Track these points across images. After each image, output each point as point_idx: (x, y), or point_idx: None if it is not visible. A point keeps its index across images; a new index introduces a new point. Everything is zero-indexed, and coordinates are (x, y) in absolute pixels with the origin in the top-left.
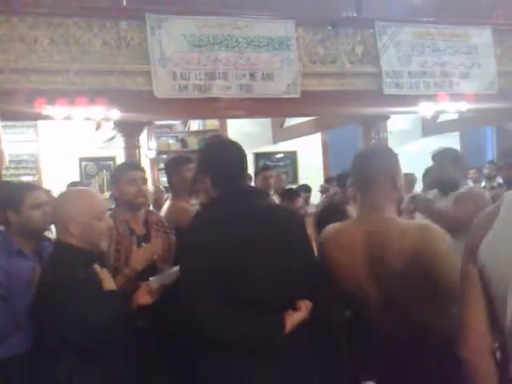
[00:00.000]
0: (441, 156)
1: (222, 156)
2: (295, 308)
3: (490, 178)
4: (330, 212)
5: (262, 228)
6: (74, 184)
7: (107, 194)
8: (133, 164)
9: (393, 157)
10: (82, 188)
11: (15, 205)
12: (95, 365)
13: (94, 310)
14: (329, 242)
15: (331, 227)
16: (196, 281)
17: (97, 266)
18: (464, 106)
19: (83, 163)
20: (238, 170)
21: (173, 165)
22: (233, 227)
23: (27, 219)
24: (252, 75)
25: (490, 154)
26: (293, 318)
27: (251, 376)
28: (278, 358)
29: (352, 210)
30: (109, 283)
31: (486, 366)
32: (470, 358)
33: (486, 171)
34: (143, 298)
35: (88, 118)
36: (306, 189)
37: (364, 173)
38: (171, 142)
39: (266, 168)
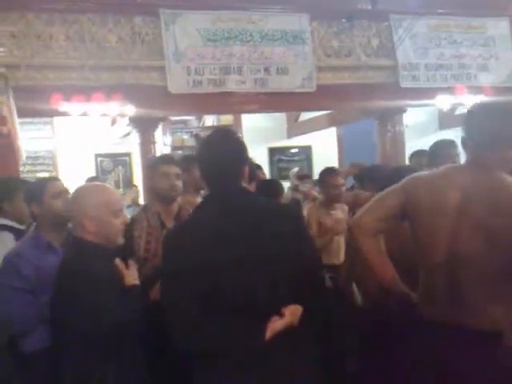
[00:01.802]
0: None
1: (210, 153)
2: (281, 314)
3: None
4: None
5: (244, 230)
6: (91, 179)
7: (121, 190)
8: (168, 158)
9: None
10: (99, 183)
11: (37, 196)
12: (112, 364)
13: (110, 305)
14: (421, 184)
15: (426, 173)
16: (170, 283)
17: (118, 261)
18: (482, 98)
19: (99, 159)
20: (228, 170)
21: (185, 163)
22: (210, 228)
23: (49, 209)
24: (266, 69)
25: None
26: (275, 326)
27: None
28: (261, 365)
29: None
30: (131, 277)
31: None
32: None
33: None
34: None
35: (104, 114)
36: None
37: (477, 127)
38: (186, 137)
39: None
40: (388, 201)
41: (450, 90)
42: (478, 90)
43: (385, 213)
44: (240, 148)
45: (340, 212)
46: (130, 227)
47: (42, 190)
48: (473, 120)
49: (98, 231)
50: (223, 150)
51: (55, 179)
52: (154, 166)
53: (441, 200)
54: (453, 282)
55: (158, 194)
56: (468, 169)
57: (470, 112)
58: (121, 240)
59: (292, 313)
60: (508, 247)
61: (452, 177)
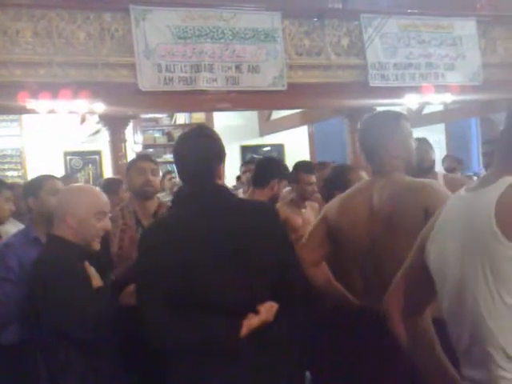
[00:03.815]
0: None
1: (185, 151)
2: (256, 311)
3: (449, 172)
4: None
5: (219, 228)
6: (64, 177)
7: None
8: (144, 155)
9: (388, 126)
10: (90, 186)
11: (34, 190)
12: (88, 360)
13: (87, 301)
14: (336, 208)
15: (339, 196)
16: (144, 282)
17: (87, 264)
18: (449, 97)
19: (68, 157)
20: (203, 167)
21: None
22: (185, 227)
23: (44, 204)
24: (238, 67)
25: (475, 144)
26: (251, 322)
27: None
28: (239, 361)
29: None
30: (96, 279)
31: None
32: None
33: (444, 165)
34: (127, 298)
35: (72, 112)
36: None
37: (363, 143)
38: (157, 135)
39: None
40: (315, 230)
41: (418, 89)
42: (445, 88)
43: (316, 243)
44: (216, 145)
45: (310, 210)
46: None
47: (40, 185)
48: (362, 134)
49: (77, 228)
50: (199, 147)
51: (54, 177)
52: (130, 163)
53: (354, 206)
54: (379, 272)
55: (134, 191)
56: (372, 177)
57: (361, 125)
58: (97, 245)
59: (267, 310)
60: (407, 234)
61: (360, 188)
